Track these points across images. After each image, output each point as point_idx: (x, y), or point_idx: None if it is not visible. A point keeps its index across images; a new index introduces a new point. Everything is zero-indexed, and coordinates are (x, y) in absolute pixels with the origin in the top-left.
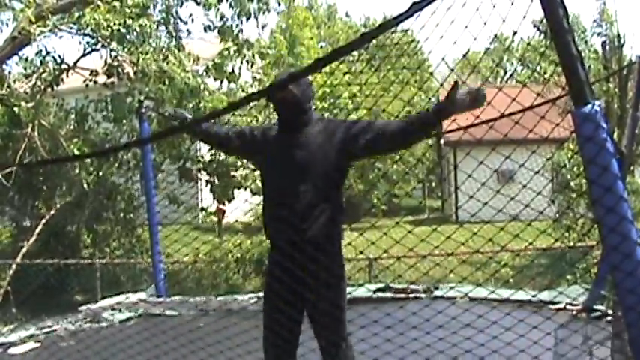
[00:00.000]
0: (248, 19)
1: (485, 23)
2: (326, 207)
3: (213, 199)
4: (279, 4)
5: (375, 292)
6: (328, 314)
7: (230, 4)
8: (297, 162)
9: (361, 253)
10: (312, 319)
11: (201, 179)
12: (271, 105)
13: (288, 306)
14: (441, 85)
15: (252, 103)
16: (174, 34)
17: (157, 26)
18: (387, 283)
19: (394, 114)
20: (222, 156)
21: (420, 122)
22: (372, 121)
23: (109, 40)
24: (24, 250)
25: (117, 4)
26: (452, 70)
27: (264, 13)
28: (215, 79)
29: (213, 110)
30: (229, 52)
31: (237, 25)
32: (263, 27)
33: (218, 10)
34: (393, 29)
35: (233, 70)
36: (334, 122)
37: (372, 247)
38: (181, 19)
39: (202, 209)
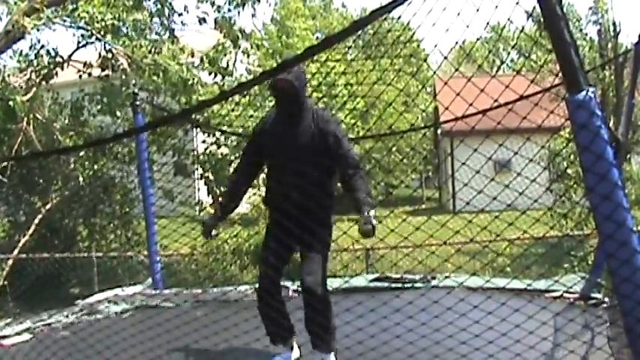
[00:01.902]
0: (243, 5)
1: (477, 10)
2: (321, 183)
3: (208, 194)
4: None
5: (371, 281)
6: (317, 253)
7: None
8: (297, 145)
9: (357, 242)
10: (304, 257)
11: (195, 172)
12: (272, 95)
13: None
14: (434, 72)
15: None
16: (168, 27)
17: (152, 18)
18: (384, 273)
19: (389, 102)
20: (217, 150)
21: (351, 193)
22: (345, 149)
23: (102, 33)
24: (20, 244)
25: None
26: (445, 57)
27: (255, 3)
28: (209, 73)
29: (215, 95)
30: (224, 47)
31: (229, 17)
32: (253, 15)
33: (213, 3)
34: (385, 17)
35: (227, 65)
36: (324, 118)
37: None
38: (175, 11)
39: (197, 202)
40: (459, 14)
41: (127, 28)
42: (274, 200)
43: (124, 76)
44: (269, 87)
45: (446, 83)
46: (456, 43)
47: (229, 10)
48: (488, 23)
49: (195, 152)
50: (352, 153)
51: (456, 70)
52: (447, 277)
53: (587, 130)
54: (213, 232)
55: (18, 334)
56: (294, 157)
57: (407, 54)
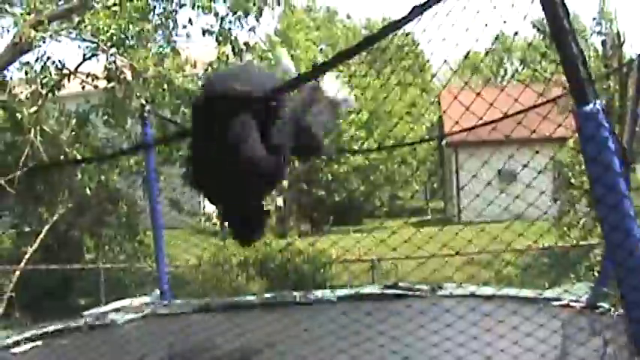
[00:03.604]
0: (246, 15)
1: (486, 25)
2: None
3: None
4: (279, 4)
5: (381, 288)
6: None
7: (228, 7)
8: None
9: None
10: None
11: None
12: None
13: None
14: (446, 85)
15: None
16: (171, 39)
17: (155, 30)
18: (393, 282)
19: (395, 116)
20: None
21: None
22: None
23: (108, 45)
24: (27, 255)
25: (117, 8)
26: (455, 71)
27: (259, 15)
28: None
29: None
30: (227, 57)
31: (231, 29)
32: (252, 29)
33: (216, 12)
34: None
35: None
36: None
37: (376, 249)
38: (177, 23)
39: (204, 214)
40: (467, 30)
41: (132, 39)
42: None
43: (128, 88)
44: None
45: (456, 97)
46: (466, 56)
47: (230, 22)
48: (497, 38)
49: None
50: None
51: (466, 84)
52: (455, 287)
53: (594, 141)
54: None
55: (26, 343)
56: None
57: (412, 65)
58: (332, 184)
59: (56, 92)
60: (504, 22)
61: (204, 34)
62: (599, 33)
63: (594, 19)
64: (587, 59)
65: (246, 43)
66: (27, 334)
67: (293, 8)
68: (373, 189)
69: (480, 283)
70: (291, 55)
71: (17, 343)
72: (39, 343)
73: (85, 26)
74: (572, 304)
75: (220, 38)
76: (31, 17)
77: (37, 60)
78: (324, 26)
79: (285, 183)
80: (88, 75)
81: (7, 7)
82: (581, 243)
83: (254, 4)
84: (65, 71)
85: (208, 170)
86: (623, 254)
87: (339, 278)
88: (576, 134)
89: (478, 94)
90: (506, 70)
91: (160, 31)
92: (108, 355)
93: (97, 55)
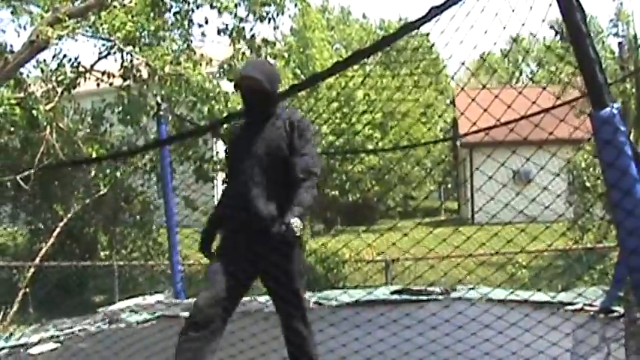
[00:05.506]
0: (262, 21)
1: (504, 28)
2: (280, 193)
3: None
4: (296, 6)
5: (392, 293)
6: (285, 287)
7: (247, 8)
8: (258, 150)
9: (379, 254)
10: (272, 293)
11: (217, 179)
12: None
13: (239, 273)
14: (462, 89)
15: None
16: (187, 37)
17: (167, 25)
18: (405, 285)
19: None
20: None
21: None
22: (306, 150)
23: (124, 43)
24: (42, 252)
25: (133, 5)
26: (472, 74)
27: (279, 15)
28: (230, 80)
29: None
30: (243, 54)
31: (251, 29)
32: (276, 28)
33: (235, 14)
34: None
35: None
36: (295, 118)
37: (389, 249)
38: (192, 22)
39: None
40: (485, 32)
41: (148, 37)
42: (233, 216)
43: (145, 87)
44: (235, 85)
45: (473, 100)
46: (483, 59)
47: (248, 22)
48: (515, 40)
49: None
50: (310, 158)
51: (484, 87)
52: (468, 289)
53: (611, 146)
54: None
55: (41, 341)
56: (260, 165)
57: (427, 66)
58: (346, 184)
59: (72, 90)
60: (522, 24)
61: (219, 33)
62: (616, 35)
63: (611, 20)
64: (602, 62)
65: (264, 39)
66: (44, 335)
67: (307, 6)
68: (387, 189)
69: (493, 285)
70: (306, 55)
71: (35, 344)
72: (56, 345)
73: (101, 24)
74: (585, 307)
75: (235, 36)
76: (49, 15)
77: (53, 58)
78: (338, 26)
79: None
80: (103, 73)
81: (24, 5)
82: (597, 246)
83: (276, 5)
84: (81, 69)
85: None
86: (639, 259)
87: (353, 278)
88: (592, 137)
89: (496, 96)
90: (521, 72)
91: (176, 30)
92: (122, 358)
93: (113, 53)
